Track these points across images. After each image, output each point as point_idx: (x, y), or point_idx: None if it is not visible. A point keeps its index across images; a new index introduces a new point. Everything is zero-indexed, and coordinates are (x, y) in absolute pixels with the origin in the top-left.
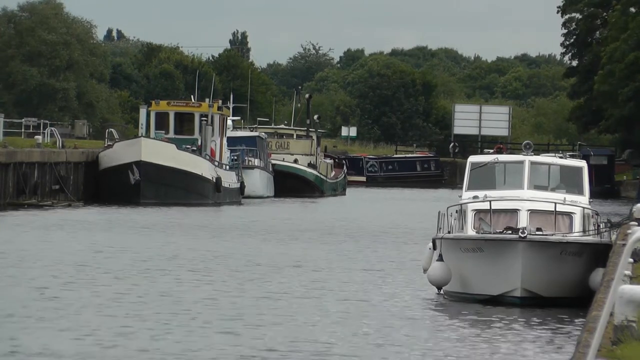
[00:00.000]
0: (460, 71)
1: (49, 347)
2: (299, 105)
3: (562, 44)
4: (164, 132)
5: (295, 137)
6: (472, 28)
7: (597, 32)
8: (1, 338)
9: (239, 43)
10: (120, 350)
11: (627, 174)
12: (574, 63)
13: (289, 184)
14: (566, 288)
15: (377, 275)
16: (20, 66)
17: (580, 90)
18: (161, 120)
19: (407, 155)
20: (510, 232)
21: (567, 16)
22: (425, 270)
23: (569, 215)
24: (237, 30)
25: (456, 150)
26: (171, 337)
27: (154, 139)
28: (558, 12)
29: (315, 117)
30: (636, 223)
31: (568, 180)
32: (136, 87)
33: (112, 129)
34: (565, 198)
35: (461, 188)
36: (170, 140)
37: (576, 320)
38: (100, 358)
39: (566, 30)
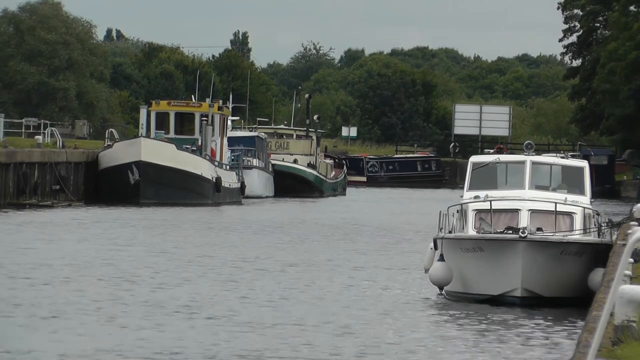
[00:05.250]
0: (460, 71)
1: (65, 348)
2: (298, 105)
3: (563, 45)
4: (164, 132)
5: (294, 137)
6: (472, 28)
7: (598, 32)
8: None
9: (240, 43)
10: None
11: (627, 174)
12: (575, 63)
13: (288, 184)
14: (566, 288)
15: (378, 275)
16: (19, 65)
17: (582, 89)
18: (161, 120)
19: (408, 156)
20: (510, 232)
21: (568, 13)
22: (426, 270)
23: (569, 215)
24: (238, 31)
25: (456, 150)
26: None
27: (153, 139)
28: (559, 8)
29: (315, 117)
30: (636, 223)
31: (569, 180)
32: (136, 87)
33: (112, 129)
34: (566, 198)
35: (462, 188)
36: (170, 140)
37: (576, 320)
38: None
39: (567, 26)
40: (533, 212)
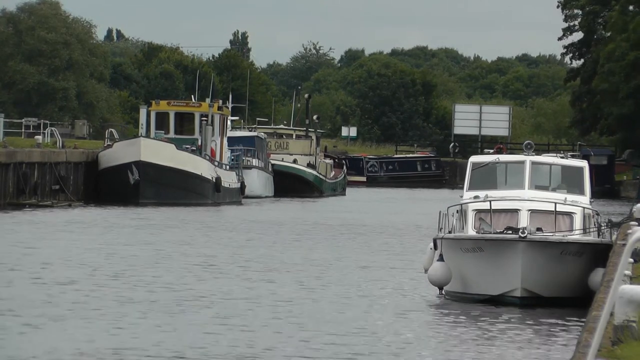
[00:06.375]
0: (460, 71)
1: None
2: (298, 105)
3: (563, 45)
4: (163, 132)
5: (294, 137)
6: (472, 28)
7: (598, 33)
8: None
9: (240, 43)
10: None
11: (627, 174)
12: (575, 64)
13: (288, 184)
14: (566, 288)
15: (378, 275)
16: (18, 65)
17: (582, 92)
18: (161, 120)
19: (408, 156)
20: (510, 232)
21: (567, 12)
22: (426, 270)
23: (569, 215)
24: (238, 31)
25: (456, 150)
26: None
27: (153, 139)
28: (558, 7)
29: (315, 117)
30: (636, 223)
31: (569, 180)
32: (136, 87)
33: (112, 129)
34: (566, 198)
35: (462, 188)
36: (170, 140)
37: (576, 320)
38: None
39: (566, 25)
40: (533, 212)
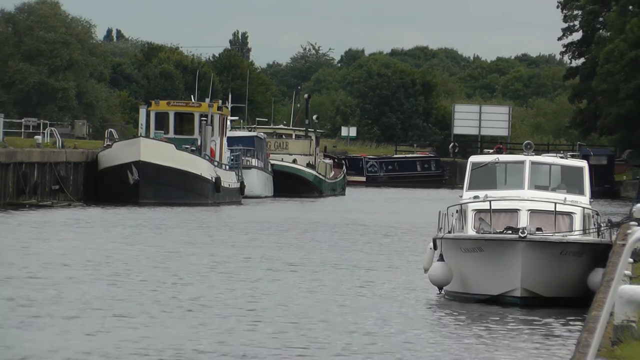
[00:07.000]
0: (460, 71)
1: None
2: (298, 105)
3: (563, 44)
4: (163, 132)
5: (294, 137)
6: (472, 28)
7: (598, 33)
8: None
9: (240, 43)
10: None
11: (627, 174)
12: (575, 63)
13: (287, 184)
14: (566, 288)
15: (377, 275)
16: (18, 65)
17: (582, 90)
18: (161, 120)
19: (407, 156)
20: (510, 232)
21: (567, 12)
22: (426, 270)
23: (569, 215)
24: (238, 31)
25: (456, 150)
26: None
27: (153, 138)
28: (558, 7)
29: (314, 117)
30: (636, 223)
31: (569, 181)
32: (136, 87)
33: (112, 129)
34: (565, 198)
35: (461, 188)
36: (170, 140)
37: (576, 320)
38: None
39: (566, 25)
40: (532, 212)
